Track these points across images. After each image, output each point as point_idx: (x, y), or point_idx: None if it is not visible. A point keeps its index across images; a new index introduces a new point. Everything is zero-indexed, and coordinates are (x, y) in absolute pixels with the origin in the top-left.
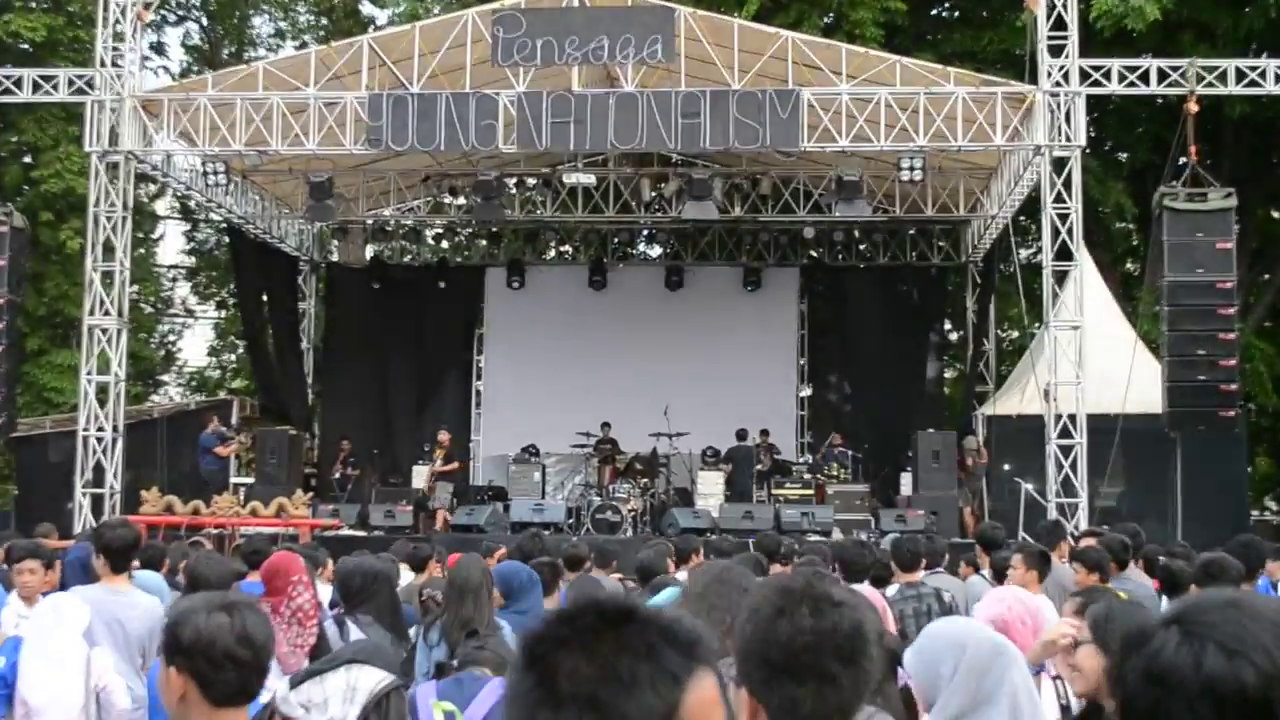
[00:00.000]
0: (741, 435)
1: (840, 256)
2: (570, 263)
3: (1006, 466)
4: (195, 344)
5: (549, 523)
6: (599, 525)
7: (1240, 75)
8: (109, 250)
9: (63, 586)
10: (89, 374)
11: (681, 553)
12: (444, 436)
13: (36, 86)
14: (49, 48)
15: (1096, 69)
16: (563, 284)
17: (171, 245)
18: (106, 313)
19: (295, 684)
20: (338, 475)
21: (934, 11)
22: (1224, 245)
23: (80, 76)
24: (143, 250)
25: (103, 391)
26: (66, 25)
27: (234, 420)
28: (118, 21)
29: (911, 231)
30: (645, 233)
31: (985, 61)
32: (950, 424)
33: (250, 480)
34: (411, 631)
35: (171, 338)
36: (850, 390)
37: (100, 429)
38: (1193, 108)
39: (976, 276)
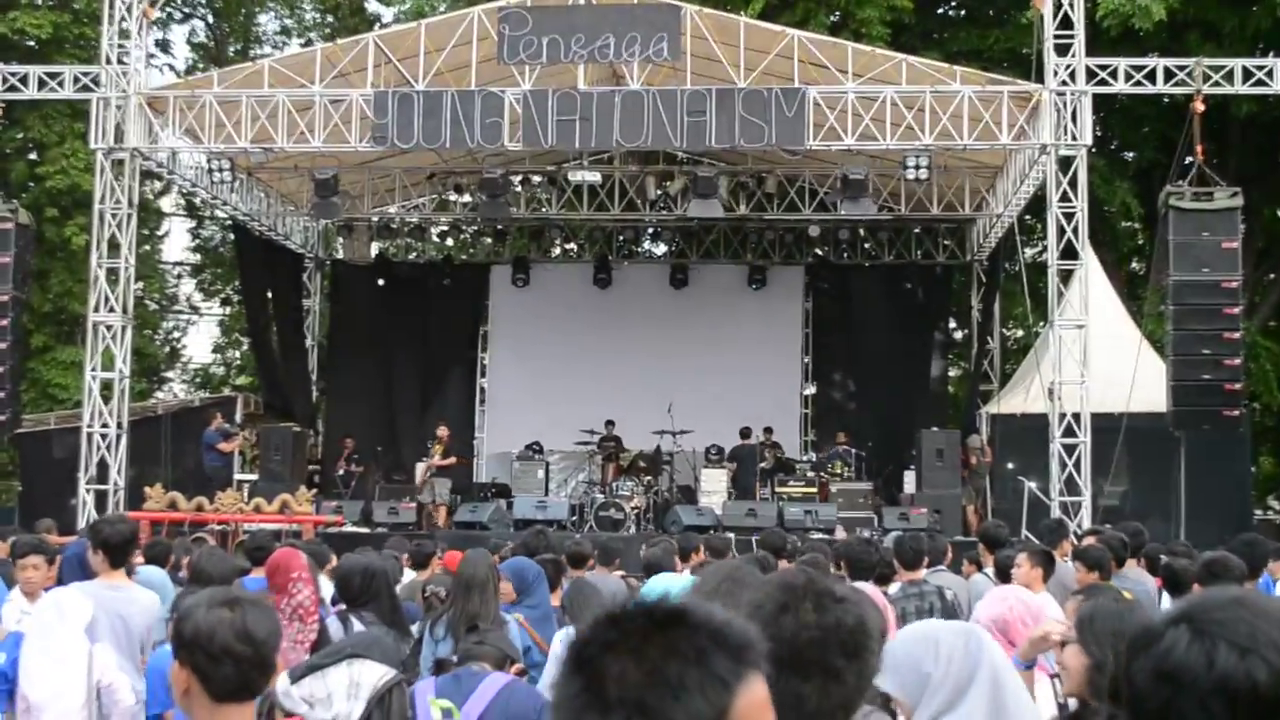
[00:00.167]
0: (745, 433)
1: (845, 255)
2: (575, 260)
3: (1010, 465)
4: (200, 341)
5: (552, 520)
6: (602, 523)
7: (1247, 74)
8: (114, 247)
9: (60, 582)
10: (93, 370)
11: (683, 550)
12: (443, 431)
13: (42, 84)
14: (55, 45)
15: (1103, 68)
16: (568, 282)
17: (176, 242)
18: (111, 309)
19: (296, 678)
20: (341, 472)
21: (940, 10)
22: (1229, 244)
23: (86, 74)
24: (148, 247)
25: (107, 388)
26: (72, 23)
27: (238, 417)
28: (123, 19)
29: (917, 230)
30: (650, 231)
31: (991, 60)
32: (954, 422)
33: (254, 477)
34: (415, 628)
35: (176, 334)
36: (854, 388)
37: (104, 425)
38: (1199, 107)
39: (981, 275)
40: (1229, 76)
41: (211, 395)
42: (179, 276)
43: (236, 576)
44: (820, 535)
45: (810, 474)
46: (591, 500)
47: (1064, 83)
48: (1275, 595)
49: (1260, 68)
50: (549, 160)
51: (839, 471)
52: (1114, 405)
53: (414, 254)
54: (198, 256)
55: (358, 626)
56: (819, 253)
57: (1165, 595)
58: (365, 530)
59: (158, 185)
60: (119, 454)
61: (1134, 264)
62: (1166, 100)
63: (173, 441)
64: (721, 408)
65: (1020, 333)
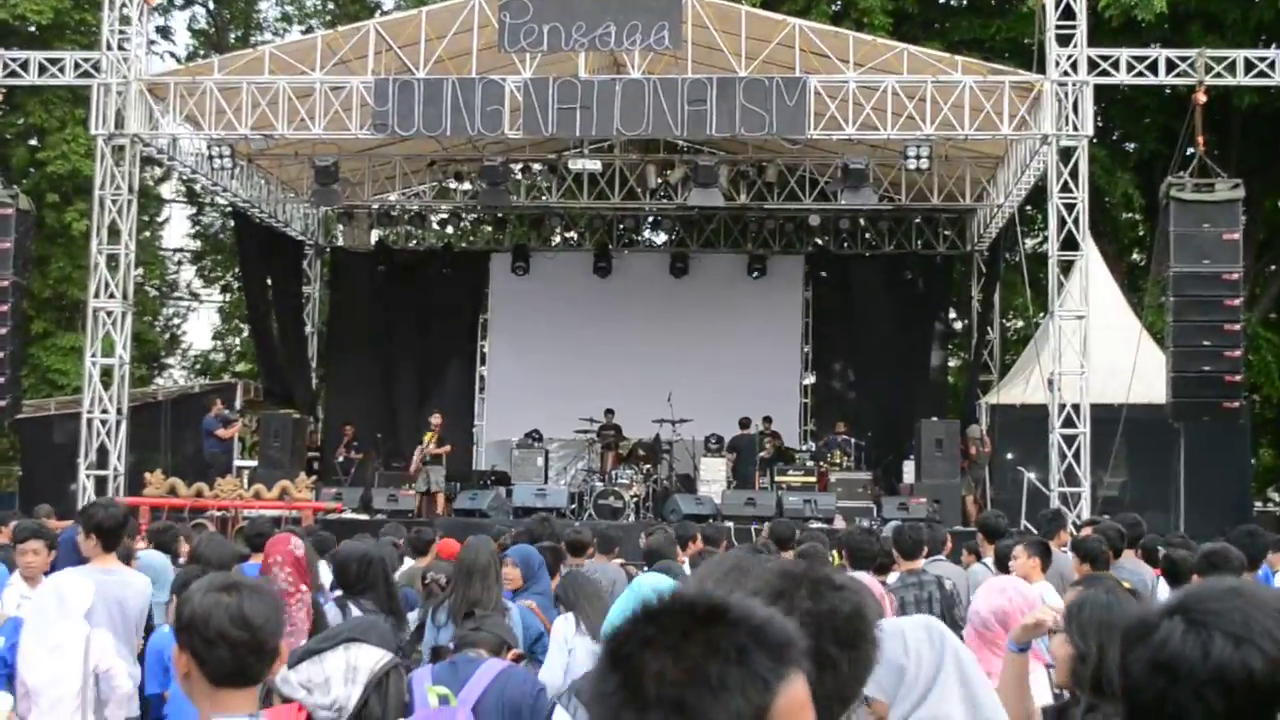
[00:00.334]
0: (744, 423)
1: (845, 244)
2: (575, 249)
3: (1010, 455)
4: (200, 327)
5: (551, 507)
6: (601, 511)
7: (1249, 66)
8: (114, 233)
9: (54, 568)
10: (93, 357)
11: (681, 539)
12: (436, 419)
13: (43, 69)
14: (55, 30)
15: (1105, 58)
16: (568, 270)
17: (177, 229)
18: (111, 295)
19: (293, 664)
20: (341, 459)
21: (942, 0)
22: (1230, 236)
23: (87, 59)
24: (148, 233)
25: (107, 374)
26: (73, 8)
27: (238, 404)
28: (124, 5)
29: (917, 220)
30: (650, 219)
31: (993, 50)
32: (954, 413)
33: (254, 463)
34: (415, 614)
35: (176, 321)
36: (854, 378)
37: (104, 411)
38: (1201, 98)
39: (982, 265)
40: (1231, 68)
41: (211, 382)
42: (179, 263)
43: (236, 562)
44: (819, 525)
45: (809, 463)
46: (591, 488)
47: (1066, 73)
48: (1275, 586)
49: (1262, 59)
50: (549, 148)
51: (838, 461)
52: (1114, 396)
53: (414, 241)
54: (198, 243)
55: (355, 613)
56: (819, 242)
57: (1164, 585)
58: (365, 517)
59: (158, 171)
60: (119, 440)
61: (1135, 255)
62: (1168, 91)
63: (173, 428)
64: (721, 397)
65: (1020, 323)
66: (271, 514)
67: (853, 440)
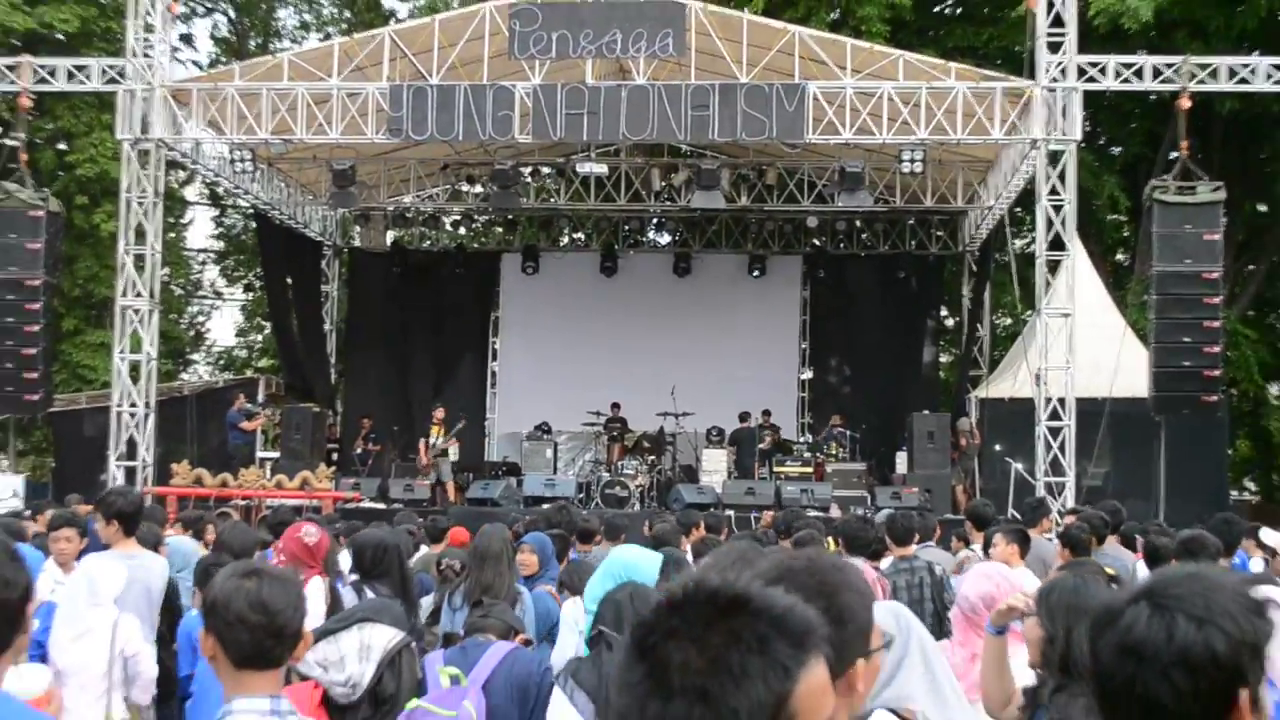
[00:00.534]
0: (744, 416)
1: (842, 245)
2: (583, 249)
3: (998, 447)
4: (223, 324)
5: (560, 497)
6: (608, 500)
7: (1231, 73)
8: (141, 234)
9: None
10: (122, 353)
11: (684, 527)
12: (439, 413)
13: (71, 76)
14: (82, 38)
15: (1093, 65)
16: (575, 270)
17: (200, 230)
18: (138, 294)
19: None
20: (359, 451)
21: (937, 8)
22: (1211, 236)
23: (112, 67)
24: (173, 234)
25: (135, 369)
26: (99, 17)
27: (260, 398)
28: (148, 14)
29: (911, 221)
30: (655, 221)
31: (986, 57)
32: (945, 406)
33: (276, 455)
34: (430, 598)
35: (201, 318)
36: (850, 373)
37: (133, 405)
38: (1185, 104)
39: (973, 265)
40: (1214, 75)
41: (235, 377)
42: (203, 263)
43: (258, 548)
44: (816, 513)
45: (807, 455)
46: (598, 478)
47: (1055, 79)
48: (1249, 571)
49: (1244, 66)
50: (558, 152)
51: (834, 452)
52: (1098, 390)
53: (428, 242)
54: (221, 244)
55: (369, 596)
56: (817, 243)
57: (1144, 570)
58: (381, 506)
59: (182, 175)
60: (147, 432)
61: (1119, 255)
62: (1153, 97)
63: (198, 421)
64: (722, 391)
65: (1009, 320)
66: (293, 503)
67: (848, 432)
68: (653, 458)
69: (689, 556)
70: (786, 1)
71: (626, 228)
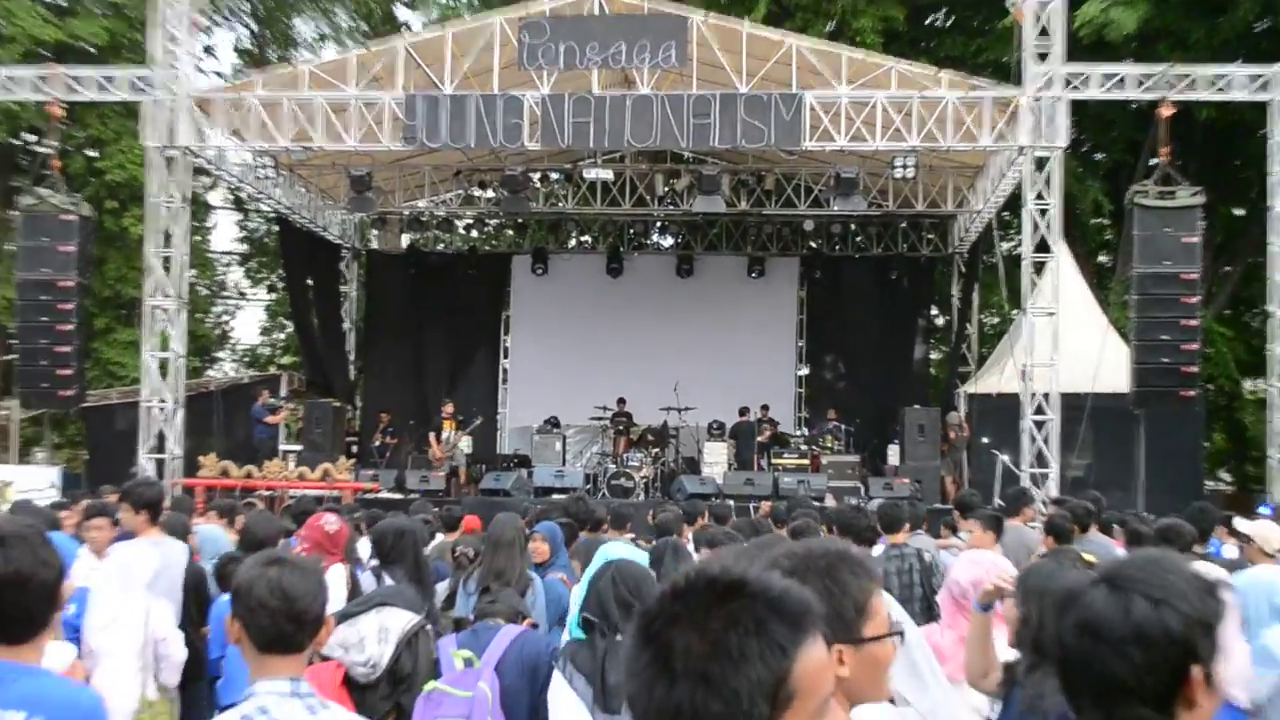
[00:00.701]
0: (744, 411)
1: (837, 247)
2: (589, 251)
3: (985, 440)
4: (247, 323)
5: (568, 487)
6: (614, 490)
7: (1210, 82)
8: (168, 238)
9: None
10: (151, 351)
11: (689, 515)
12: (448, 408)
13: (100, 86)
14: (111, 50)
15: (1078, 75)
16: (583, 271)
17: (225, 233)
18: (166, 295)
19: None
20: (377, 443)
21: (929, 20)
22: (1189, 239)
23: (140, 77)
24: (199, 237)
25: (163, 367)
26: (127, 29)
27: (283, 393)
28: (173, 26)
29: (903, 224)
30: (658, 224)
31: (976, 67)
32: (935, 401)
33: (298, 447)
34: (446, 583)
35: (226, 318)
36: (844, 370)
37: (162, 400)
38: (1166, 111)
39: (962, 266)
40: (1194, 84)
41: (259, 373)
42: (227, 265)
43: (282, 537)
44: (813, 503)
45: (803, 447)
46: (604, 470)
47: (1041, 89)
48: (1223, 557)
49: (1222, 75)
50: (565, 159)
51: (829, 445)
52: (1081, 386)
53: (442, 245)
54: (244, 246)
55: (387, 581)
56: (813, 245)
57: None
58: (399, 496)
59: (207, 180)
60: (176, 426)
61: (1102, 257)
62: (1135, 105)
63: (224, 415)
64: (723, 387)
65: (996, 319)
66: (314, 494)
67: (842, 426)
68: (656, 450)
69: (690, 546)
70: (785, 13)
71: (631, 231)
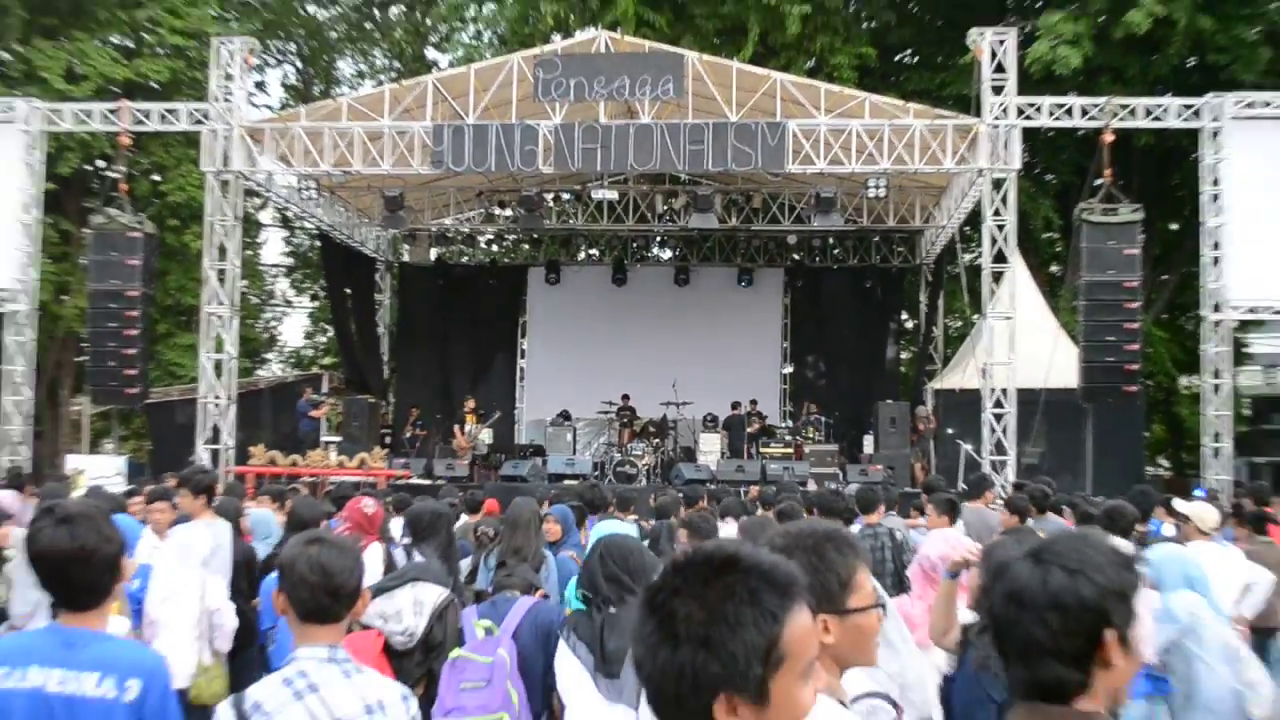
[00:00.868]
0: (735, 405)
1: (818, 259)
2: (597, 263)
3: (950, 431)
4: (293, 329)
5: (579, 474)
6: (619, 476)
7: (1147, 112)
8: (222, 252)
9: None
10: (207, 353)
11: (689, 499)
12: (470, 404)
13: (163, 118)
14: (173, 86)
15: (1030, 105)
16: (591, 281)
17: (273, 248)
18: (221, 303)
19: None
20: (408, 435)
21: (898, 58)
22: (1130, 251)
23: (198, 110)
24: (250, 251)
25: (218, 367)
26: (186, 68)
27: (324, 390)
28: (228, 65)
29: (876, 239)
30: (658, 239)
31: (939, 99)
32: (905, 396)
33: (338, 439)
34: (468, 560)
35: (274, 323)
36: (824, 368)
37: (217, 397)
38: (1108, 138)
39: (929, 276)
40: (1133, 113)
41: (303, 373)
42: (275, 276)
43: (324, 519)
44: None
45: (788, 438)
46: (610, 458)
47: (998, 117)
48: (1161, 535)
49: (1158, 105)
50: (575, 181)
51: (811, 436)
52: (1035, 382)
53: (466, 258)
54: (290, 260)
55: (417, 557)
56: (796, 257)
57: None
58: (428, 482)
59: (257, 201)
60: (229, 420)
61: (1053, 267)
62: (1081, 132)
63: (272, 410)
64: (716, 384)
65: (960, 323)
66: (352, 480)
67: (823, 419)
68: (657, 441)
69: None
70: (770, 52)
71: (634, 245)
